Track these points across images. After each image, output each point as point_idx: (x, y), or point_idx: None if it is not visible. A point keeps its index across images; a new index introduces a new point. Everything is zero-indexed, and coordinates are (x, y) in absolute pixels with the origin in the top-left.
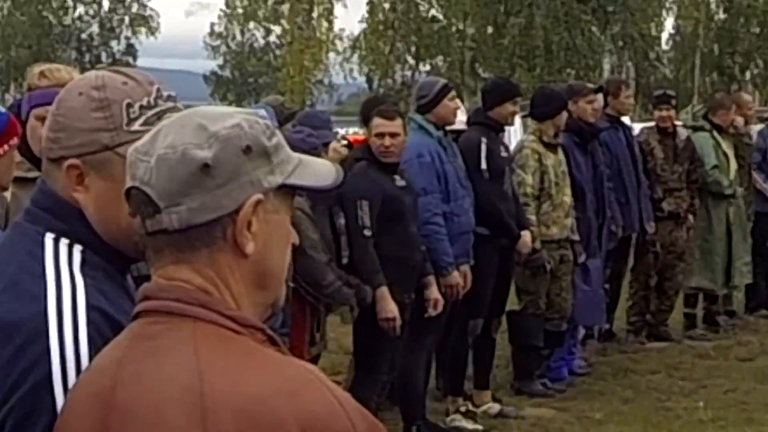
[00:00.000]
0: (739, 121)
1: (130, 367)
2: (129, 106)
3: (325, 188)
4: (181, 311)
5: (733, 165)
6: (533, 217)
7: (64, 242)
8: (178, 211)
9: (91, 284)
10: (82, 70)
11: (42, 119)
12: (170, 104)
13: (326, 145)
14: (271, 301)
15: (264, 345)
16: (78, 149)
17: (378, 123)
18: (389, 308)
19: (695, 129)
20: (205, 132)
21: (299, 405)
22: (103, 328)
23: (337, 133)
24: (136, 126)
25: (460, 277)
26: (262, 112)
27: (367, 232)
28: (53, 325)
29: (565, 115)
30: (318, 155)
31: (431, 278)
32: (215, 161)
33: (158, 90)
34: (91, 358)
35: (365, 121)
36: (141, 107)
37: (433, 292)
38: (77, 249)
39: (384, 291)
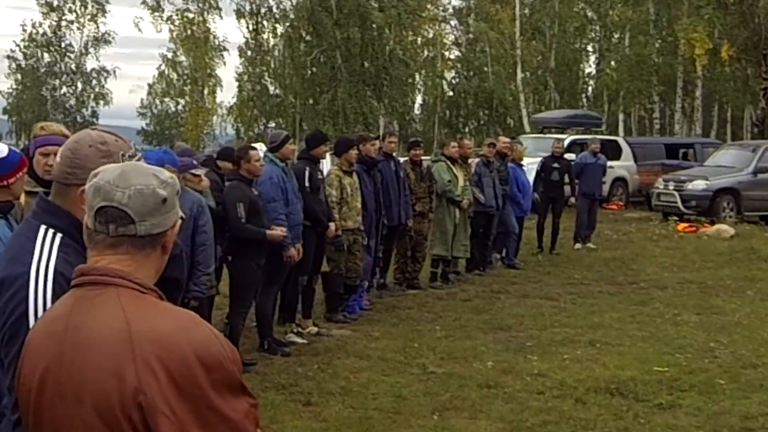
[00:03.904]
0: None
1: (77, 318)
2: (122, 155)
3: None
4: (108, 282)
5: (461, 182)
6: (337, 216)
7: (51, 231)
8: (145, 225)
9: (62, 257)
10: (66, 126)
11: (44, 155)
12: (139, 154)
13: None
14: (155, 280)
15: (160, 299)
16: None
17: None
18: (276, 234)
19: (435, 161)
20: (159, 179)
21: (192, 336)
22: (63, 285)
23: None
24: (107, 165)
25: (294, 251)
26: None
27: (243, 220)
28: (32, 281)
29: (353, 152)
30: (192, 165)
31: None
32: (168, 198)
33: (132, 145)
34: (53, 302)
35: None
36: (129, 156)
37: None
38: (59, 236)
39: (268, 232)
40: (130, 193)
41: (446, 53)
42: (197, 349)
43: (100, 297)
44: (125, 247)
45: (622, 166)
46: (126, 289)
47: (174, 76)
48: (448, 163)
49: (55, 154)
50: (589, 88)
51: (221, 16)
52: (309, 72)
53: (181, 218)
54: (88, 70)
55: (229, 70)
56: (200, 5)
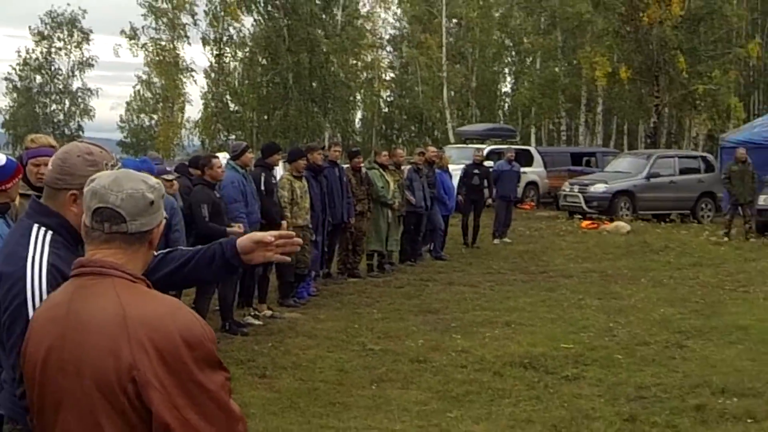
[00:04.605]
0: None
1: (77, 303)
2: (106, 164)
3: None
4: (104, 273)
5: (393, 186)
6: (289, 215)
7: (42, 229)
8: (135, 223)
9: (53, 251)
10: (55, 138)
11: (36, 165)
12: (119, 164)
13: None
14: (143, 271)
15: (148, 288)
16: (77, 186)
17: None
18: (235, 231)
19: (369, 168)
20: (148, 184)
21: (178, 319)
22: (57, 276)
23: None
24: (102, 172)
25: None
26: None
27: (207, 219)
28: (29, 273)
29: (302, 160)
30: (164, 171)
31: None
32: (155, 200)
33: (114, 155)
34: (48, 292)
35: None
36: (111, 165)
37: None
38: (50, 233)
39: (230, 229)
40: (123, 196)
41: (382, 75)
42: (182, 330)
43: (98, 286)
44: (118, 242)
45: (534, 171)
46: (120, 279)
47: (148, 95)
48: (381, 170)
49: (46, 164)
50: (506, 105)
51: (189, 44)
52: (264, 91)
53: (165, 218)
54: (75, 90)
55: (195, 89)
56: (171, 34)
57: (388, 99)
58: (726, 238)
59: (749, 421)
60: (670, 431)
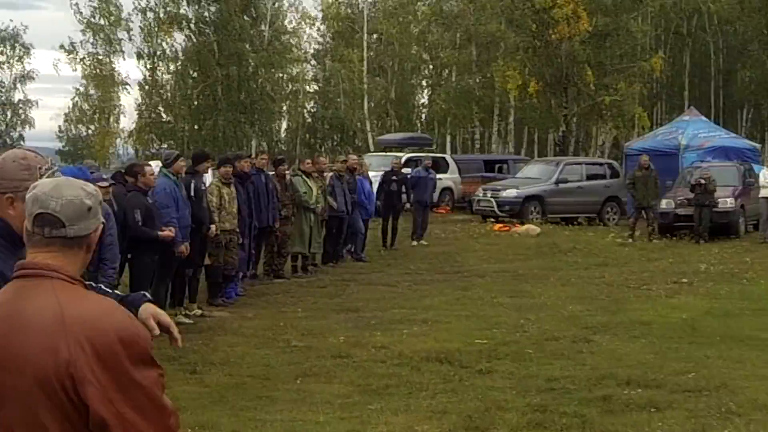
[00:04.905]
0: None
1: (18, 304)
2: (39, 168)
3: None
4: (44, 274)
5: (315, 192)
6: (217, 219)
7: None
8: (74, 228)
9: None
10: None
11: None
12: (54, 168)
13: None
14: (81, 273)
15: (86, 289)
16: (13, 189)
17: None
18: (166, 234)
19: (293, 176)
20: (86, 191)
21: (114, 319)
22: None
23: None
24: (44, 179)
25: (183, 248)
26: (86, 167)
27: (140, 223)
28: None
29: (230, 168)
30: (100, 179)
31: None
32: (92, 206)
33: (48, 159)
34: None
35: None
36: (46, 169)
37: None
38: None
39: (162, 233)
40: (63, 202)
41: (307, 87)
42: (118, 329)
43: (38, 287)
44: (57, 246)
45: (449, 178)
46: (59, 281)
47: (86, 106)
48: (304, 177)
49: None
50: (423, 115)
51: (124, 58)
52: (195, 103)
53: (102, 223)
54: (16, 101)
55: (130, 101)
56: (107, 49)
57: (312, 110)
58: (630, 240)
59: (652, 410)
60: (578, 420)
